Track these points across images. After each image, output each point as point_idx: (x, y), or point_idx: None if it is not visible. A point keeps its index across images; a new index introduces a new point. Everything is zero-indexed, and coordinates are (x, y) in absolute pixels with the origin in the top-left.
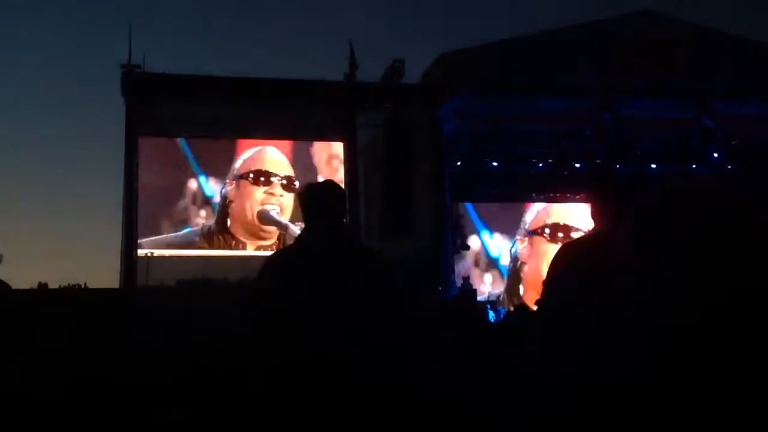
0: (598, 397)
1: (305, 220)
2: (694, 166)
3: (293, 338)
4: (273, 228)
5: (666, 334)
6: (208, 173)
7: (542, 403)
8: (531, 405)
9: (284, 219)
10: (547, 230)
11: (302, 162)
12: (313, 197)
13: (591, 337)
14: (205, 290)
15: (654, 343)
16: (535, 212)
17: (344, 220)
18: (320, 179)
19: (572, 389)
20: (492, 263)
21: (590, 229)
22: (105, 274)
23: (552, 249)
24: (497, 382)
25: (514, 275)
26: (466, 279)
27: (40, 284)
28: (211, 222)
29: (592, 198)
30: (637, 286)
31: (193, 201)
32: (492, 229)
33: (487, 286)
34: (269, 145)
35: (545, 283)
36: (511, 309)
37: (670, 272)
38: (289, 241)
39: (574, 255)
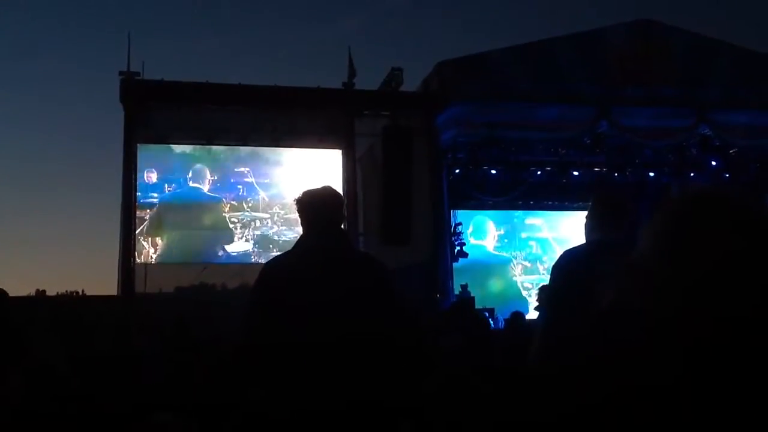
0: (600, 404)
1: (303, 226)
2: (692, 174)
3: (291, 346)
4: None
5: (691, 342)
6: None
7: (541, 407)
8: (530, 408)
9: None
10: None
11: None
12: (311, 204)
13: (597, 343)
14: (204, 297)
15: (677, 350)
16: None
17: (342, 227)
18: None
19: (570, 394)
20: None
21: (591, 237)
22: (104, 282)
23: None
24: (498, 385)
25: None
26: (465, 286)
27: (38, 291)
28: None
29: (593, 206)
30: (662, 291)
31: None
32: None
33: None
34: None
35: (549, 288)
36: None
37: (697, 277)
38: None
39: (577, 262)
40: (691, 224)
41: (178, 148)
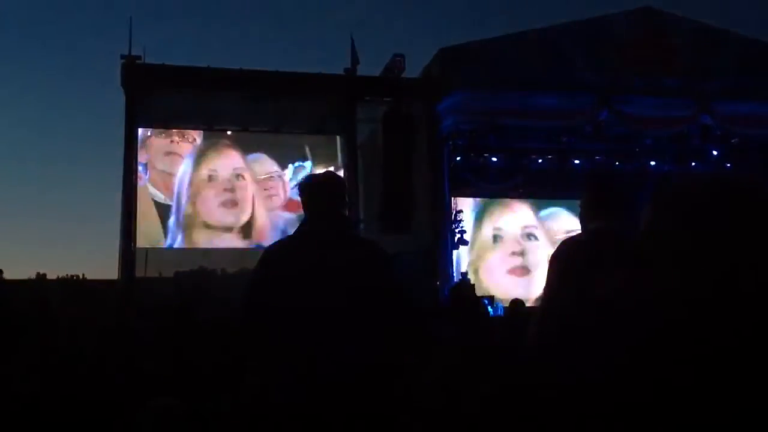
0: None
1: (305, 211)
2: (693, 164)
3: (289, 330)
4: None
5: (694, 329)
6: None
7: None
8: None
9: None
10: None
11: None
12: (313, 189)
13: (598, 333)
14: (204, 282)
15: (674, 337)
16: None
17: (345, 212)
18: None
19: (568, 386)
20: None
21: (589, 225)
22: (105, 266)
23: None
24: (496, 374)
25: None
26: (464, 274)
27: (38, 274)
28: None
29: (590, 194)
30: (674, 277)
31: None
32: None
33: None
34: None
35: (547, 279)
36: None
37: (708, 265)
38: None
39: (578, 251)
40: (723, 210)
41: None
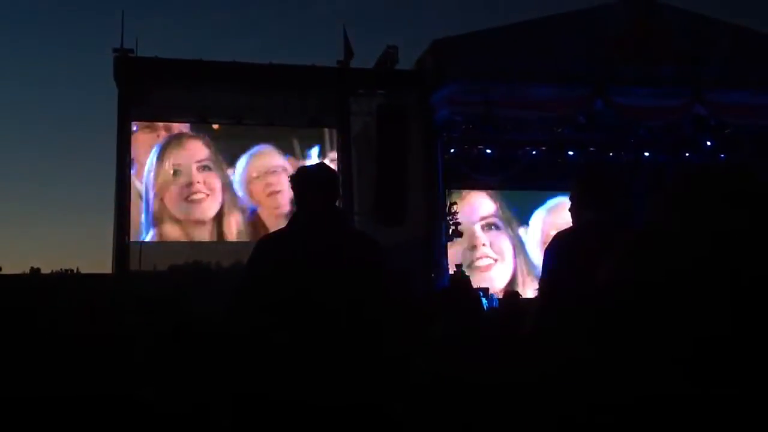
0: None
1: (297, 203)
2: (687, 154)
3: (283, 323)
4: None
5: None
6: None
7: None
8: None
9: None
10: None
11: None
12: (305, 180)
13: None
14: (198, 275)
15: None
16: None
17: (337, 203)
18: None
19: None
20: None
21: (581, 217)
22: (99, 260)
23: None
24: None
25: None
26: (459, 265)
27: (32, 269)
28: None
29: (581, 186)
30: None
31: None
32: None
33: None
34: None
35: (545, 271)
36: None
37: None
38: None
39: (573, 243)
40: (703, 197)
41: None
